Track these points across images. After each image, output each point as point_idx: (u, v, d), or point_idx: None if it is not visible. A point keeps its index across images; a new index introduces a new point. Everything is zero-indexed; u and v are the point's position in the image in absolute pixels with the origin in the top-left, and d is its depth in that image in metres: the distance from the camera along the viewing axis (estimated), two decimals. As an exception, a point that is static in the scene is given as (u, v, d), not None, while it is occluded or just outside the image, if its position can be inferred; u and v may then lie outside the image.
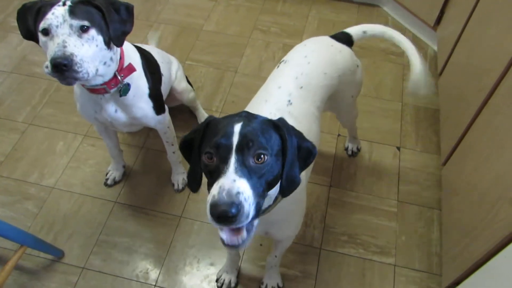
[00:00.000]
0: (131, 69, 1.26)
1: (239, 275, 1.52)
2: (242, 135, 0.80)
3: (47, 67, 1.06)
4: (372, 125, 1.95)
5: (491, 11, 1.45)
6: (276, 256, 1.36)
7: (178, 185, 1.72)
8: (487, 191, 1.15)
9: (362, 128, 1.92)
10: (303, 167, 0.89)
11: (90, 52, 1.09)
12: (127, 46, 1.31)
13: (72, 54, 1.04)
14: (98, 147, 1.87)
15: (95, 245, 1.59)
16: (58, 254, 1.55)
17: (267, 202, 0.91)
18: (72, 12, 1.06)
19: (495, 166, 1.13)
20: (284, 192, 0.87)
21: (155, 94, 1.41)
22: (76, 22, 1.06)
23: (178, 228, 1.62)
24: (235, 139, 0.79)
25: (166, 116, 1.52)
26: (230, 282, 1.49)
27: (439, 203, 1.68)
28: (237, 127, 0.81)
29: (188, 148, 0.92)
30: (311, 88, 1.22)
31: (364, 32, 1.43)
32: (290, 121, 0.93)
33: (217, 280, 1.51)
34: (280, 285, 1.49)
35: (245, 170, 0.77)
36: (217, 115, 1.98)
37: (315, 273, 1.52)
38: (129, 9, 1.18)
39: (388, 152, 1.86)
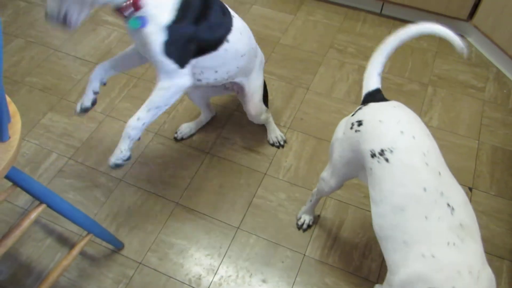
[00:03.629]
0: (136, 3, 1.18)
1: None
2: None
3: None
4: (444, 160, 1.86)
5: None
6: None
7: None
8: None
9: (433, 163, 1.84)
10: None
11: None
12: None
13: None
14: (167, 146, 1.93)
15: (154, 242, 1.63)
16: (119, 246, 1.61)
17: None
18: None
19: None
20: None
21: (178, 34, 1.22)
22: None
23: (234, 239, 1.64)
24: None
25: (180, 73, 1.29)
26: None
27: (511, 254, 1.57)
28: None
29: None
30: (439, 159, 1.07)
31: (379, 74, 1.27)
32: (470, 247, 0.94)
33: None
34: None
35: None
36: (284, 131, 1.98)
37: (367, 307, 1.48)
38: None
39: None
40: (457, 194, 1.01)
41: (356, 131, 1.15)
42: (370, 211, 1.70)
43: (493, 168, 1.85)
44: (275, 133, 1.93)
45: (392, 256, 1.01)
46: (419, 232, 0.96)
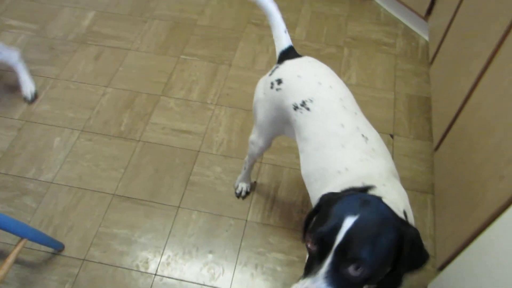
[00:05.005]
0: None
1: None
2: (348, 235, 0.71)
3: None
4: (366, 114, 1.96)
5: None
6: None
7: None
8: (478, 170, 1.17)
9: (356, 117, 1.94)
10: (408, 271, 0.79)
11: None
12: None
13: None
14: (95, 141, 1.88)
15: (95, 237, 1.60)
16: (59, 247, 1.56)
17: None
18: None
19: (486, 146, 1.15)
20: None
21: None
22: None
23: (176, 218, 1.64)
24: (339, 238, 0.71)
25: None
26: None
27: (432, 188, 1.71)
28: (348, 222, 0.71)
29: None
30: (354, 104, 1.16)
31: (285, 31, 1.33)
32: (380, 162, 0.98)
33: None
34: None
35: (337, 278, 0.71)
36: (212, 108, 2.00)
37: (312, 258, 1.55)
38: None
39: (382, 139, 1.88)
40: (371, 131, 1.09)
41: (277, 89, 1.19)
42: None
43: (410, 115, 1.98)
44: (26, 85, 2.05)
45: (314, 186, 1.07)
46: (336, 157, 1.03)
